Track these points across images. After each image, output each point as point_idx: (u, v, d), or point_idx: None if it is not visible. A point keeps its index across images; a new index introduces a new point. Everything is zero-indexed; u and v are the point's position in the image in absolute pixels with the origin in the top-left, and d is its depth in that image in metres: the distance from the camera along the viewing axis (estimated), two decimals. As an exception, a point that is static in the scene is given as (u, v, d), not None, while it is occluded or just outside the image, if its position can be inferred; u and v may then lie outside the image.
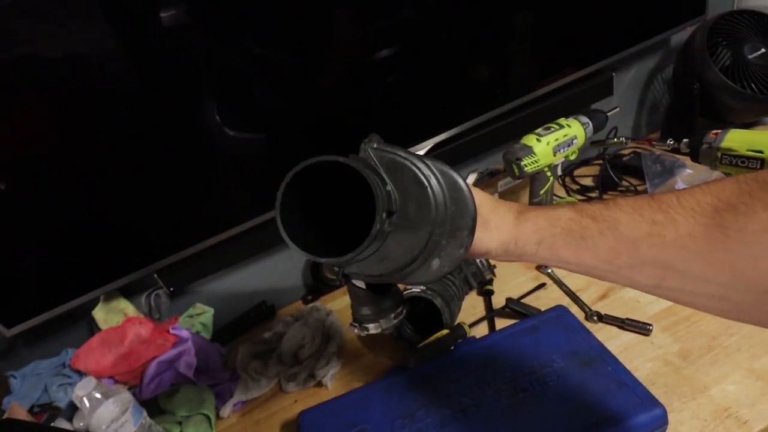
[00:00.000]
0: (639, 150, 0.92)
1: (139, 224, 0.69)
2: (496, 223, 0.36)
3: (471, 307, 0.73)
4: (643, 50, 0.96)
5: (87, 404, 0.58)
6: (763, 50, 0.82)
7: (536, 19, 0.78)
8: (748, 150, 0.54)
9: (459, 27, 0.74)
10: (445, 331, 0.61)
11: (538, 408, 0.49)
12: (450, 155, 0.80)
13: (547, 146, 0.69)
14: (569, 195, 0.90)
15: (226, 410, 0.68)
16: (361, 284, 0.42)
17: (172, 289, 0.76)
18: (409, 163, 0.35)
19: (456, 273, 0.72)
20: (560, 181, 0.94)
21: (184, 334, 0.75)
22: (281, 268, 0.89)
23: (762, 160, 0.53)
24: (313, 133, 0.73)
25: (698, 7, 0.89)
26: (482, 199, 0.37)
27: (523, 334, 0.59)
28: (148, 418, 0.63)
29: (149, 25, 0.58)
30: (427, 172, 0.35)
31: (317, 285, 0.88)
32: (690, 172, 0.79)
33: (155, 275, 0.73)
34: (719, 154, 0.57)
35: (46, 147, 0.60)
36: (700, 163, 0.60)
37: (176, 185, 0.69)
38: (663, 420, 0.46)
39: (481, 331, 0.67)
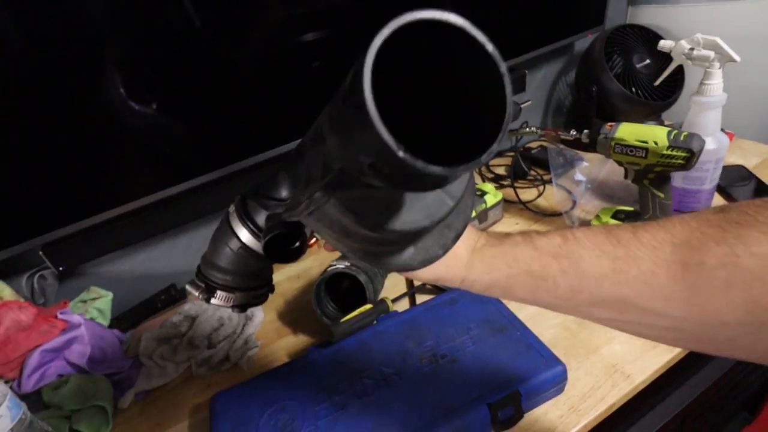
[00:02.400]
0: (545, 144, 1.01)
1: (20, 189, 0.60)
2: (450, 256, 0.32)
3: (393, 286, 0.74)
4: (551, 54, 1.05)
5: (-52, 399, 0.49)
6: (648, 61, 0.94)
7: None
8: (635, 140, 0.62)
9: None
10: (368, 306, 0.62)
11: (457, 371, 0.52)
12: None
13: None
14: (483, 182, 0.95)
15: (126, 401, 0.62)
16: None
17: (61, 268, 0.67)
18: None
19: (379, 251, 0.73)
20: (477, 170, 0.99)
21: (75, 319, 0.66)
22: (194, 248, 0.83)
23: (646, 149, 0.61)
24: (227, 112, 0.69)
25: (598, 18, 1.00)
26: None
27: (442, 306, 0.61)
28: (28, 413, 0.55)
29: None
30: None
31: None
32: (586, 164, 0.88)
33: (40, 252, 0.64)
34: (613, 144, 0.64)
35: None
36: (597, 151, 0.68)
37: (69, 150, 0.60)
38: (564, 376, 0.50)
39: (403, 306, 0.68)
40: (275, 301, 0.76)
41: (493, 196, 0.80)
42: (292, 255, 0.37)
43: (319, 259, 0.84)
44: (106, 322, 0.73)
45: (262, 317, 0.73)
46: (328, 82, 0.35)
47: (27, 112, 0.56)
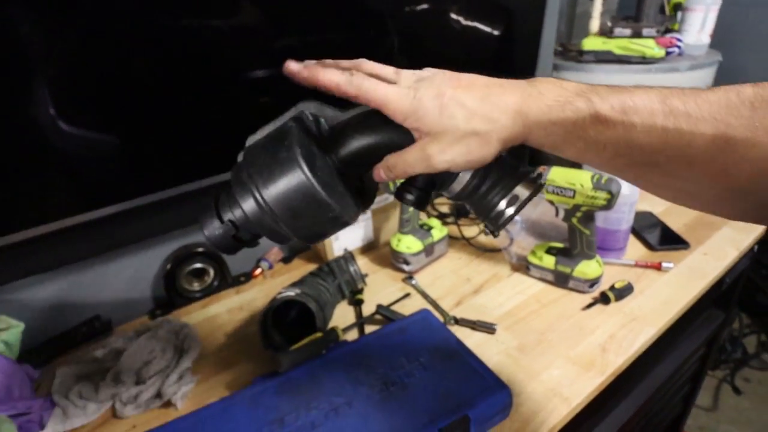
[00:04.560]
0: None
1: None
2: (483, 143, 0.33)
3: (341, 316, 0.73)
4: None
5: None
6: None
7: (410, 64, 0.88)
8: (565, 182, 0.69)
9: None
10: (318, 335, 0.60)
11: (407, 398, 0.52)
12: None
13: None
14: (429, 218, 0.99)
15: (33, 446, 0.54)
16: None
17: (-35, 293, 0.59)
18: None
19: (330, 280, 0.73)
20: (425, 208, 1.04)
21: (-22, 352, 0.58)
22: (124, 277, 0.77)
23: (574, 190, 0.68)
24: (161, 136, 0.67)
25: (530, 75, 1.12)
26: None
27: (392, 335, 0.62)
28: None
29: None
30: None
31: (171, 297, 0.78)
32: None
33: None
34: (546, 184, 0.71)
35: None
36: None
37: None
38: (509, 400, 0.52)
39: (352, 337, 0.68)
40: (214, 334, 0.72)
41: (439, 231, 0.84)
42: None
43: (264, 290, 0.82)
44: (14, 357, 0.64)
45: (199, 350, 0.68)
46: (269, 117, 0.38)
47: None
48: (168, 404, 0.60)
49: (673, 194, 0.32)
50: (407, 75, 0.36)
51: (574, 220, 0.72)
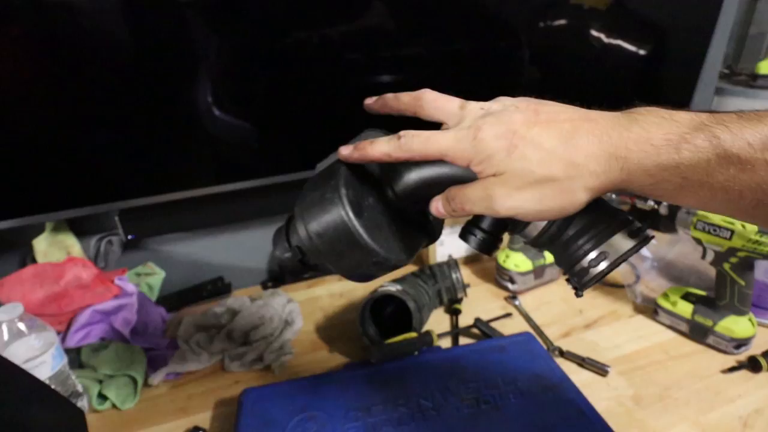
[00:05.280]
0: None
1: (110, 156, 0.64)
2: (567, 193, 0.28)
3: (436, 323, 0.72)
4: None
5: (6, 332, 0.51)
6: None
7: (542, 77, 0.83)
8: (722, 219, 0.59)
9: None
10: (413, 334, 0.60)
11: (498, 422, 0.48)
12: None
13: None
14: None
15: (157, 378, 0.62)
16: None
17: (130, 237, 0.70)
18: None
19: (431, 284, 0.72)
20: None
21: (130, 288, 0.69)
22: (247, 247, 0.85)
23: (732, 231, 0.58)
24: (290, 126, 0.73)
25: (685, 100, 0.99)
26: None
27: (490, 351, 0.58)
28: (67, 367, 0.56)
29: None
30: None
31: (282, 273, 0.84)
32: (654, 242, 0.85)
33: (116, 218, 0.68)
34: (695, 220, 0.61)
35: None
36: (675, 225, 0.65)
37: (157, 133, 0.65)
38: (617, 453, 0.46)
39: (445, 345, 0.66)
40: (315, 315, 0.76)
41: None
42: None
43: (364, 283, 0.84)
44: (153, 299, 0.75)
45: (301, 325, 0.72)
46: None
47: (143, 93, 0.62)
48: (267, 368, 0.64)
49: None
50: (472, 110, 0.31)
51: (727, 266, 0.61)
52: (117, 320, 0.65)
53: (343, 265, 0.34)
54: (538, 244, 0.33)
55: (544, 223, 0.32)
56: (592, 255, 0.30)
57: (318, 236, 0.32)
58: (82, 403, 0.57)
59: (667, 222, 0.69)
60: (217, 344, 0.67)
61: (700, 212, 0.61)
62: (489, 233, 0.34)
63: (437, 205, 0.32)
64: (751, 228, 0.57)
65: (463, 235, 0.35)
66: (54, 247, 0.68)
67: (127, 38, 0.59)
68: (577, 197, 0.28)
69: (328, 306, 0.78)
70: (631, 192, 0.28)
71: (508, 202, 0.28)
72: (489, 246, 0.34)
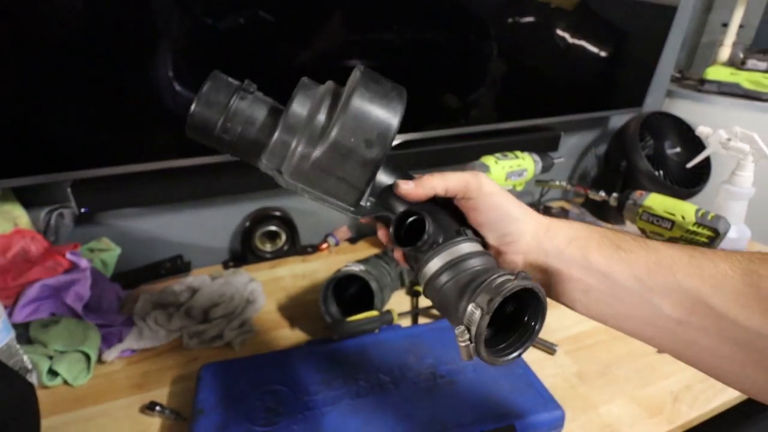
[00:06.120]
0: (566, 207, 1.04)
1: (63, 123, 0.61)
2: (529, 217, 0.35)
3: (398, 303, 0.73)
4: (588, 122, 1.10)
5: (-55, 303, 0.48)
6: (678, 149, 0.98)
7: (508, 70, 0.86)
8: (664, 211, 0.63)
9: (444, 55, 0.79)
10: (374, 312, 0.61)
11: (453, 394, 0.51)
12: (416, 159, 0.84)
13: (502, 170, 0.74)
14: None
15: (111, 354, 0.61)
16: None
17: (83, 210, 0.67)
18: None
19: (393, 266, 0.73)
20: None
21: (83, 263, 0.66)
22: (209, 226, 0.83)
23: (673, 222, 0.62)
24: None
25: (637, 100, 1.05)
26: (511, 199, 0.36)
27: (447, 330, 0.61)
28: (15, 342, 0.54)
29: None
30: None
31: (245, 252, 0.83)
32: (605, 232, 0.90)
33: (69, 189, 0.65)
34: (641, 211, 0.66)
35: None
36: (623, 215, 0.69)
37: (115, 103, 0.62)
38: (561, 421, 0.49)
39: (405, 324, 0.68)
40: (277, 294, 0.76)
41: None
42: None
43: (327, 264, 0.85)
44: (107, 275, 0.73)
45: (263, 303, 0.72)
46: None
47: (107, 60, 0.59)
48: (228, 345, 0.64)
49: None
50: None
51: (666, 254, 0.66)
52: (69, 295, 0.63)
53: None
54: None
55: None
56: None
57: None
58: (32, 379, 0.55)
59: (615, 213, 0.74)
60: (176, 322, 0.66)
61: (646, 203, 0.66)
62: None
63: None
64: (690, 219, 0.62)
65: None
66: (0, 217, 0.64)
67: (84, 6, 0.56)
68: None
69: (291, 286, 0.78)
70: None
71: None
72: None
